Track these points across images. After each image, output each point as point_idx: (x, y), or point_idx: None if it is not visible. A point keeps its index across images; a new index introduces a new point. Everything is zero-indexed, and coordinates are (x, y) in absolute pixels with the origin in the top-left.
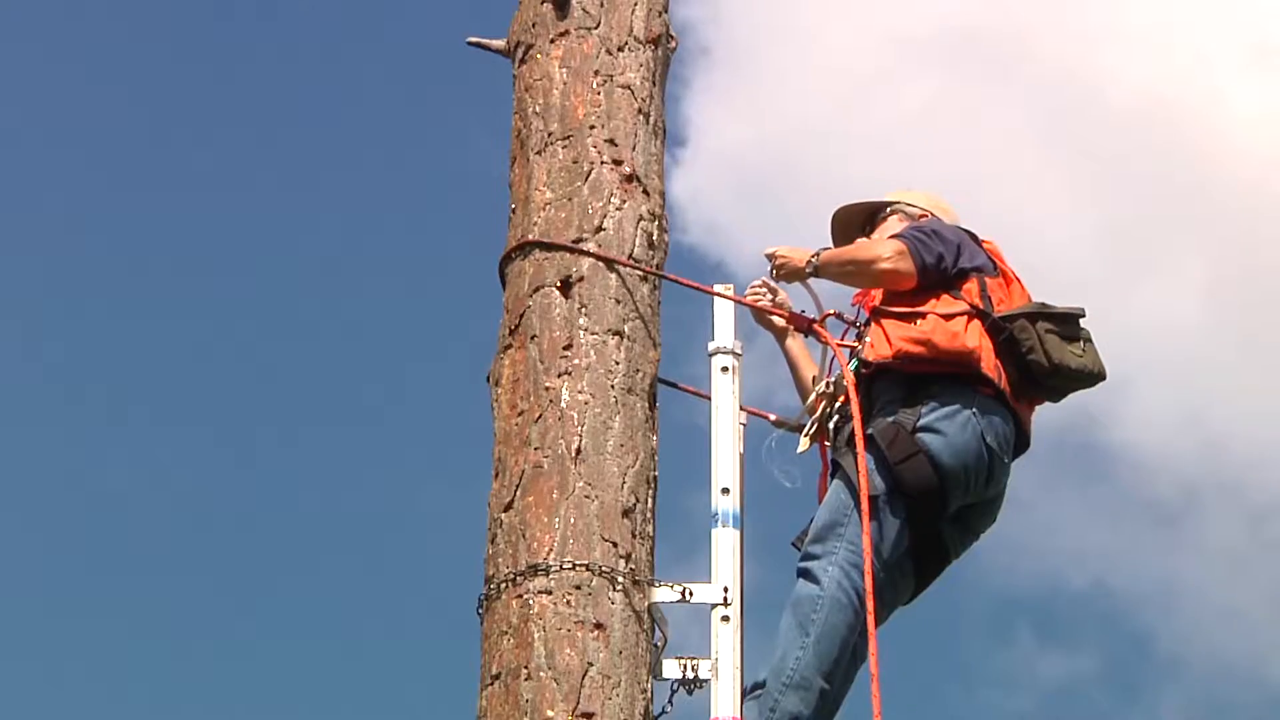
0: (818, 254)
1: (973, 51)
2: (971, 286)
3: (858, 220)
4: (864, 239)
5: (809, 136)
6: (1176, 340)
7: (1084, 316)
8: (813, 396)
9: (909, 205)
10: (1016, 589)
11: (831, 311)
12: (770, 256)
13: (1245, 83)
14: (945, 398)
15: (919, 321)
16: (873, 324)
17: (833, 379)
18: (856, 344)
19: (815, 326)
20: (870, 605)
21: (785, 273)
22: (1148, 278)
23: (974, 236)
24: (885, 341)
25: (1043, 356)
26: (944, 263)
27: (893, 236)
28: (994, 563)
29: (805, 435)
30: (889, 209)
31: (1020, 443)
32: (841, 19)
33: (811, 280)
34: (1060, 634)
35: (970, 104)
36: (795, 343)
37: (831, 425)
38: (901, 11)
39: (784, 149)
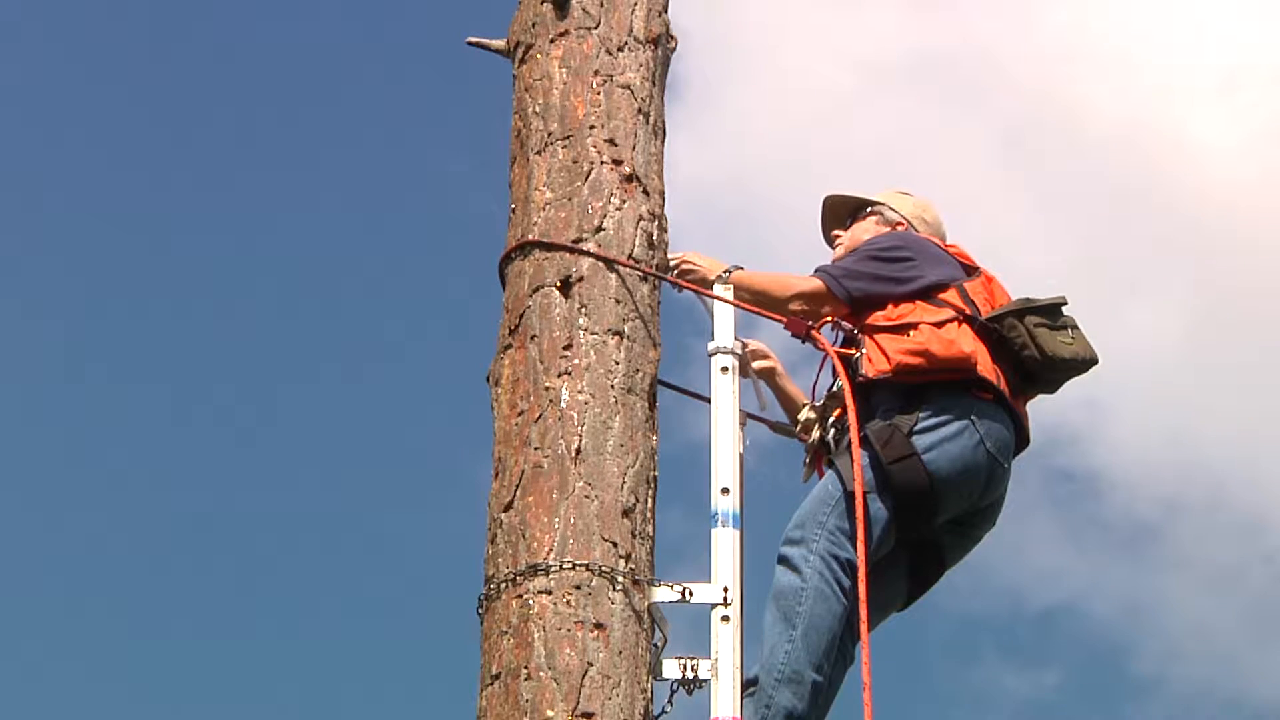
0: (731, 270)
1: (943, 78)
2: (950, 294)
3: (844, 212)
4: (785, 274)
5: (779, 166)
6: (1152, 364)
7: (1066, 304)
8: (806, 414)
9: (890, 210)
10: (991, 609)
11: (830, 319)
12: (677, 262)
13: (1215, 110)
14: (942, 404)
15: (912, 333)
16: (865, 339)
17: (829, 391)
18: (852, 350)
19: (813, 333)
20: (863, 613)
21: (689, 278)
22: (1122, 302)
23: (942, 246)
24: (883, 356)
25: (1036, 351)
26: (891, 284)
27: (817, 271)
28: (965, 584)
29: (804, 463)
30: (870, 209)
31: (1020, 441)
32: (808, 48)
33: (720, 292)
34: (1037, 654)
35: (942, 130)
36: (788, 385)
37: (830, 437)
38: (869, 39)
39: (754, 179)
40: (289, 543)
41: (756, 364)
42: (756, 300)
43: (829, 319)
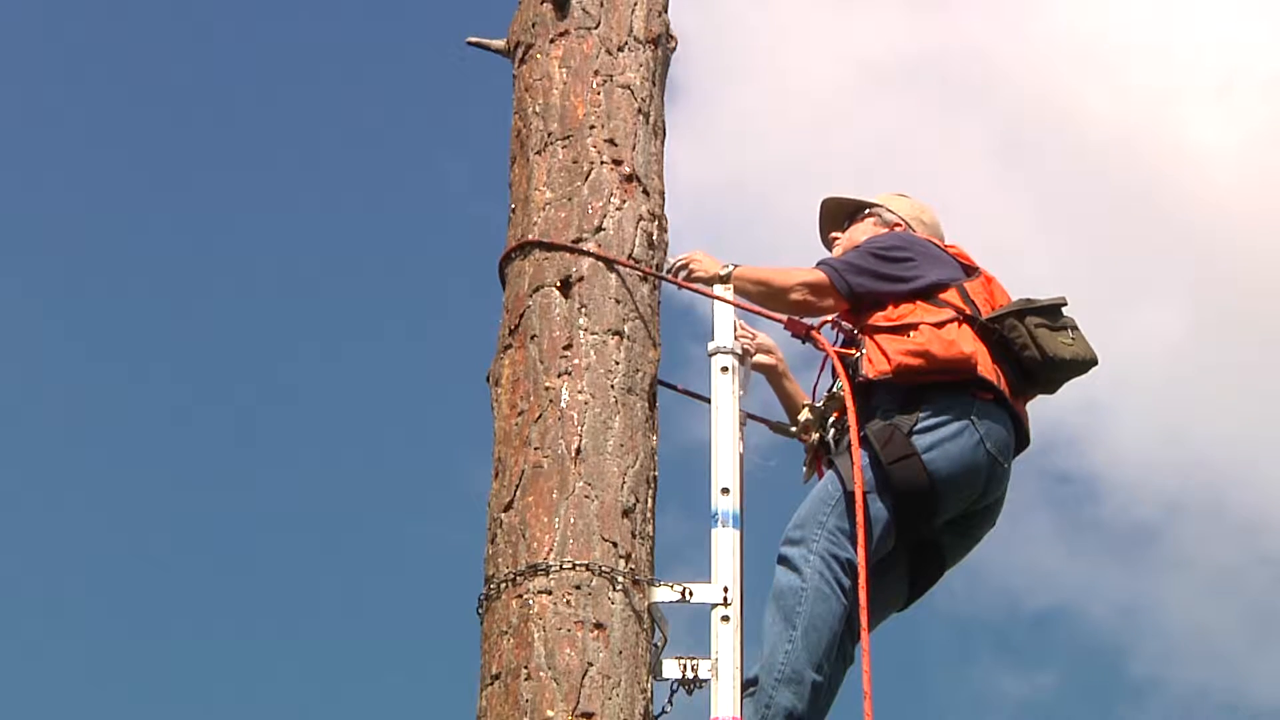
0: (733, 265)
1: (942, 78)
2: (950, 295)
3: (842, 214)
4: (786, 267)
5: (778, 167)
6: (1152, 365)
7: (1066, 305)
8: (805, 414)
9: (888, 212)
10: (988, 611)
11: (830, 319)
12: (680, 261)
13: (1213, 112)
14: (942, 404)
15: (912, 333)
16: (865, 339)
17: (829, 392)
18: (852, 351)
19: (813, 333)
20: (864, 620)
21: (693, 276)
22: (1122, 303)
23: (941, 246)
24: (883, 357)
25: (1037, 352)
26: (892, 282)
27: (820, 264)
28: (962, 585)
29: (804, 464)
30: (868, 210)
31: (1020, 441)
32: (808, 48)
33: (722, 291)
34: (1034, 655)
35: (942, 130)
36: (790, 385)
37: (830, 437)
38: (869, 39)
39: (753, 180)
40: (289, 543)
41: (759, 358)
42: (759, 290)
43: (829, 319)
